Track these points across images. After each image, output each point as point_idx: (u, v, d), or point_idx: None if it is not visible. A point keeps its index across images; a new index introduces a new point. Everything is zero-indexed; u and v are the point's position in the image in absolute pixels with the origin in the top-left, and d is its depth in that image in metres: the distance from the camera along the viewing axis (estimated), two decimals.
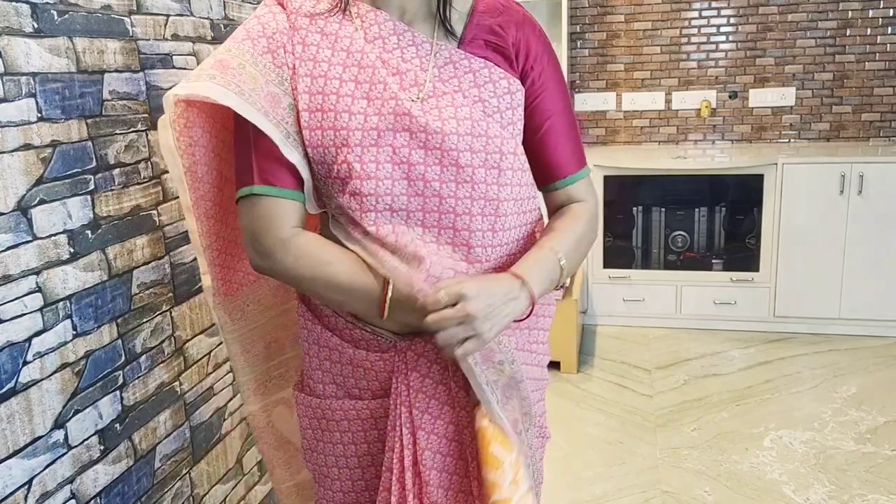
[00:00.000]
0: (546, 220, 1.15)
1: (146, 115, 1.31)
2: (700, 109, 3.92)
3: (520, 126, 1.04)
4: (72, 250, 1.15)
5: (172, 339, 1.41)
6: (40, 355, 1.09)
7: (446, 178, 0.98)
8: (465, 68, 1.01)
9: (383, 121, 0.97)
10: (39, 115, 1.08)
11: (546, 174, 1.11)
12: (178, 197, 1.37)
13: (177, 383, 1.42)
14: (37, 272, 1.08)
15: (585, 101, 4.06)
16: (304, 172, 1.02)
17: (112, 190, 1.24)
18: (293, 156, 0.99)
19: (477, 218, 0.99)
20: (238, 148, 1.03)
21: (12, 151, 1.03)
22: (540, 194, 1.14)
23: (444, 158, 0.97)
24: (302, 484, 1.36)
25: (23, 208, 1.06)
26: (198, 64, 1.44)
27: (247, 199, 1.01)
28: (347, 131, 0.97)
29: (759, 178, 3.44)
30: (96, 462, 1.21)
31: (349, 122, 0.97)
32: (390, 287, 0.98)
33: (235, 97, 0.96)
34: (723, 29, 3.84)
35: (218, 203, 1.11)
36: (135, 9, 1.29)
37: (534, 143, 1.08)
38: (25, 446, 1.06)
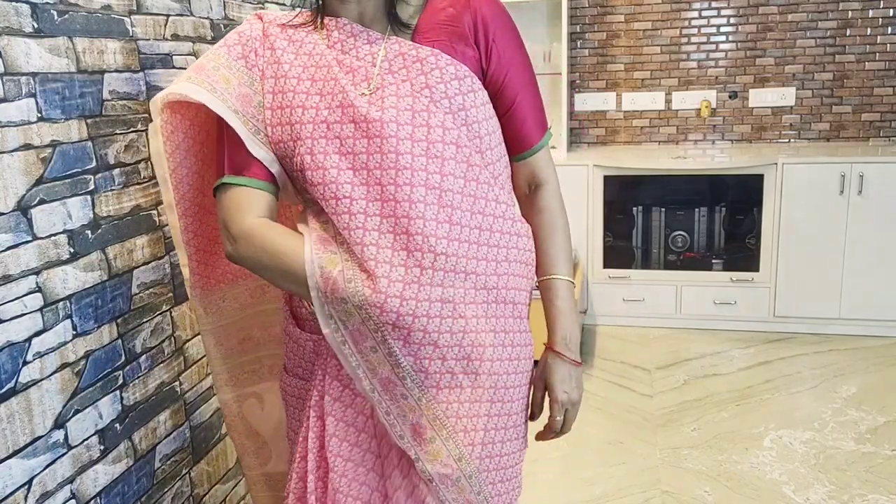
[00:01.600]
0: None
1: (146, 115, 1.31)
2: (700, 109, 3.92)
3: (474, 113, 1.05)
4: (72, 250, 1.15)
5: (172, 339, 1.41)
6: (40, 355, 1.09)
7: (386, 165, 0.99)
8: (412, 58, 1.03)
9: (332, 114, 1.01)
10: (39, 115, 1.08)
11: (513, 147, 1.14)
12: None
13: (177, 383, 1.42)
14: (37, 272, 1.08)
15: (585, 101, 4.06)
16: (274, 167, 1.07)
17: (112, 190, 1.24)
18: (259, 151, 1.05)
19: (418, 206, 0.99)
20: (220, 149, 1.10)
21: (12, 151, 1.04)
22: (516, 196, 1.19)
23: (384, 146, 0.99)
24: (271, 475, 1.40)
25: (23, 208, 1.06)
26: None
27: (220, 189, 1.07)
28: (301, 125, 1.02)
29: (759, 178, 3.44)
30: (96, 462, 1.21)
31: (302, 117, 1.02)
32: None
33: (207, 94, 1.04)
34: (723, 29, 3.84)
35: (198, 203, 1.18)
36: (135, 9, 1.29)
37: (503, 120, 1.11)
38: (25, 446, 1.06)
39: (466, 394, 1.04)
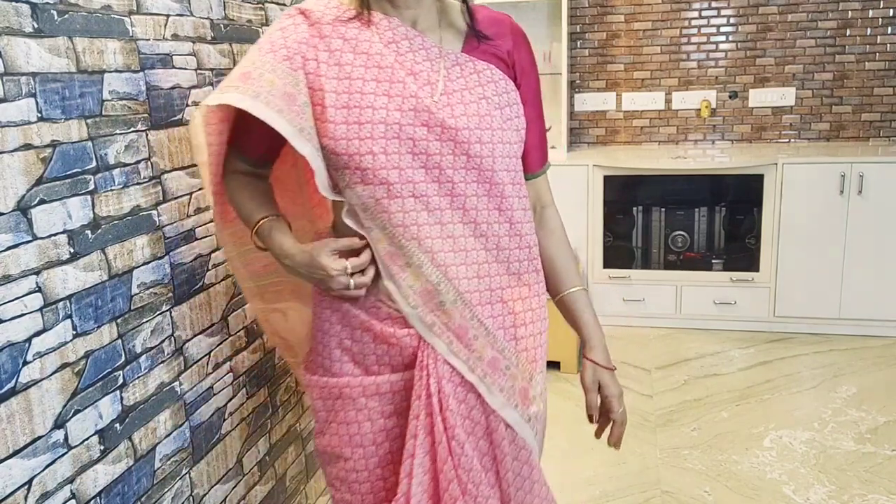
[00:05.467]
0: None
1: (146, 115, 1.31)
2: (700, 109, 3.92)
3: (516, 122, 1.19)
4: (72, 250, 1.15)
5: (172, 339, 1.41)
6: (40, 355, 1.09)
7: (458, 165, 1.13)
8: (469, 70, 1.16)
9: (404, 116, 1.10)
10: (39, 115, 1.08)
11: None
12: (178, 197, 1.41)
13: (177, 383, 1.42)
14: (37, 272, 1.08)
15: (585, 101, 4.06)
16: (315, 162, 1.12)
17: (112, 190, 1.24)
18: (304, 148, 1.11)
19: (483, 199, 1.15)
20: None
21: (12, 151, 1.04)
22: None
23: (457, 149, 1.12)
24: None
25: (23, 208, 1.06)
26: (198, 64, 1.45)
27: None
28: (371, 125, 1.10)
29: (759, 178, 3.44)
30: (96, 462, 1.21)
31: (372, 117, 1.10)
32: (263, 225, 1.20)
33: (251, 100, 1.10)
34: (723, 29, 3.84)
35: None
36: (135, 9, 1.29)
37: None
38: (25, 446, 1.07)
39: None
